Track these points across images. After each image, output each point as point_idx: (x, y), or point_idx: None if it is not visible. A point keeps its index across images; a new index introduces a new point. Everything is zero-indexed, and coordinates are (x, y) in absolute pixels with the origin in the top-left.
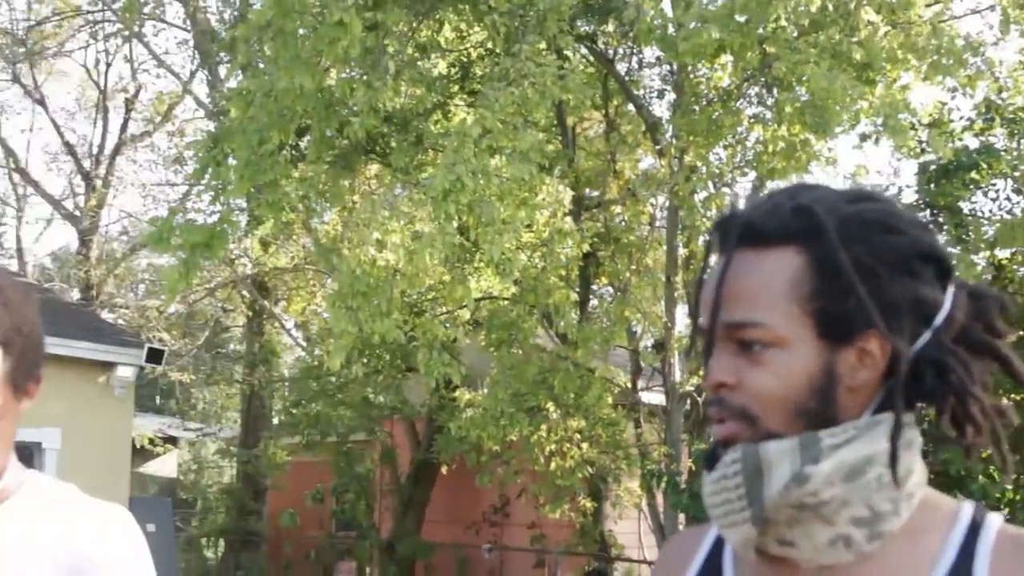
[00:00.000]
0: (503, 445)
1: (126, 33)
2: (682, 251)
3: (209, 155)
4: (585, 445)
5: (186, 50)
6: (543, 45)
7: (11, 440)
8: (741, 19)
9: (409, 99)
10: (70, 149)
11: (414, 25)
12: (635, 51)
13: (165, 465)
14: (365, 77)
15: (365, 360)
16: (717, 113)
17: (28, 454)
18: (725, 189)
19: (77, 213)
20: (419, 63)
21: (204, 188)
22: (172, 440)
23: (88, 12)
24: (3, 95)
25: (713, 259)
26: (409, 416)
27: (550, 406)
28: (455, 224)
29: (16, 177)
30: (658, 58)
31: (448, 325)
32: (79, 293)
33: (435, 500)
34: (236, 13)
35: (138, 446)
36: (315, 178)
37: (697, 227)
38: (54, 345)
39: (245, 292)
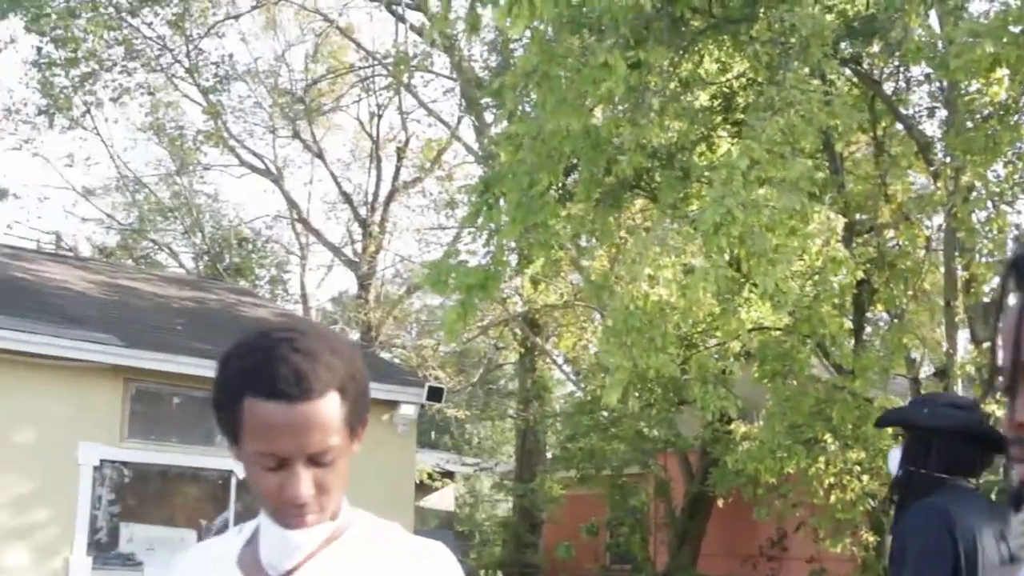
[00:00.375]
0: (780, 478)
1: (396, 86)
2: (962, 274)
3: (481, 199)
4: (866, 477)
5: (453, 98)
6: (807, 71)
7: (346, 481)
8: (1016, 30)
9: (673, 133)
10: (347, 198)
11: (675, 60)
12: (902, 70)
13: (442, 499)
14: (630, 115)
15: (638, 394)
16: (994, 129)
17: None
18: (1006, 208)
19: (355, 259)
20: (682, 97)
21: (477, 231)
22: (449, 475)
23: (360, 68)
24: (285, 151)
25: (1009, 296)
26: (682, 449)
27: (828, 438)
28: (726, 257)
29: (299, 227)
30: (927, 75)
31: (717, 357)
32: (359, 335)
33: (710, 533)
34: (500, 60)
35: (417, 481)
36: (584, 216)
37: (978, 249)
38: None
39: (517, 329)
